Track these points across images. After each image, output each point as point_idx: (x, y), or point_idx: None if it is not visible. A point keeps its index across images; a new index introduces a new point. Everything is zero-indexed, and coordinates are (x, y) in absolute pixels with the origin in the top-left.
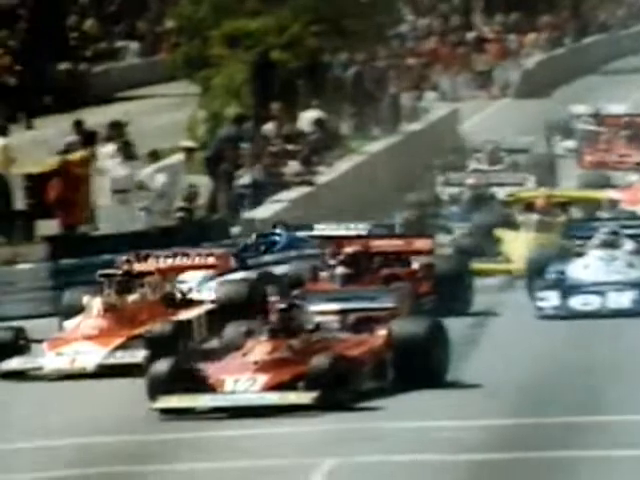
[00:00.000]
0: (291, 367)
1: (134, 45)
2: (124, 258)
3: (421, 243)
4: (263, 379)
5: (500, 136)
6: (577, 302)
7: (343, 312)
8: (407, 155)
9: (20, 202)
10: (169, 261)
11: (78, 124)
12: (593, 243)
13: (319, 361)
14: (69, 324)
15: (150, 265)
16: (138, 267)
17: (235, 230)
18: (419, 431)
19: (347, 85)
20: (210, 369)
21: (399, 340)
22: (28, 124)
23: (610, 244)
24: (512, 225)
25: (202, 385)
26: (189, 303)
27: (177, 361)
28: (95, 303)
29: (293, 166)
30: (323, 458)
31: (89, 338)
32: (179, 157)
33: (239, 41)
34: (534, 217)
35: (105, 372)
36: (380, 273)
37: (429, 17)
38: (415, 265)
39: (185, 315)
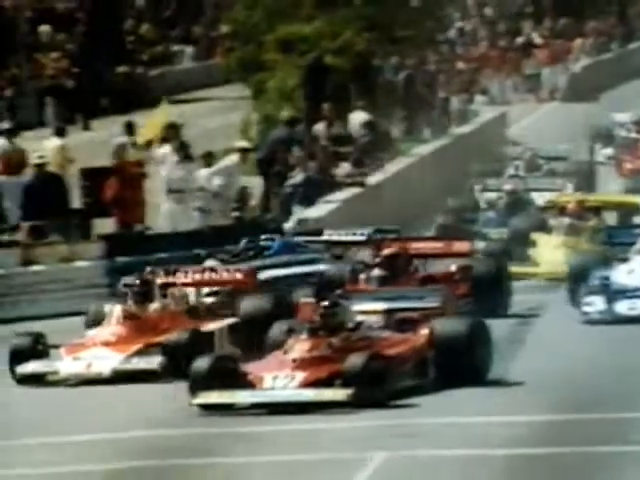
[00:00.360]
0: (329, 365)
1: (189, 49)
2: (149, 269)
3: (460, 246)
4: (301, 376)
5: (547, 139)
6: (623, 307)
7: (389, 311)
8: (456, 157)
9: (77, 201)
10: (197, 276)
11: (129, 125)
12: (636, 248)
13: (355, 359)
14: (90, 332)
15: (177, 279)
16: (164, 280)
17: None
18: (464, 427)
19: (398, 89)
20: (251, 367)
21: (441, 339)
22: (85, 125)
23: None
24: (547, 230)
25: (242, 382)
26: (213, 316)
27: (217, 358)
28: (115, 311)
29: (344, 167)
30: (372, 452)
31: (106, 344)
32: (234, 158)
33: (293, 46)
34: (565, 221)
35: (121, 378)
36: (417, 275)
37: (478, 23)
38: (452, 267)
39: (207, 327)
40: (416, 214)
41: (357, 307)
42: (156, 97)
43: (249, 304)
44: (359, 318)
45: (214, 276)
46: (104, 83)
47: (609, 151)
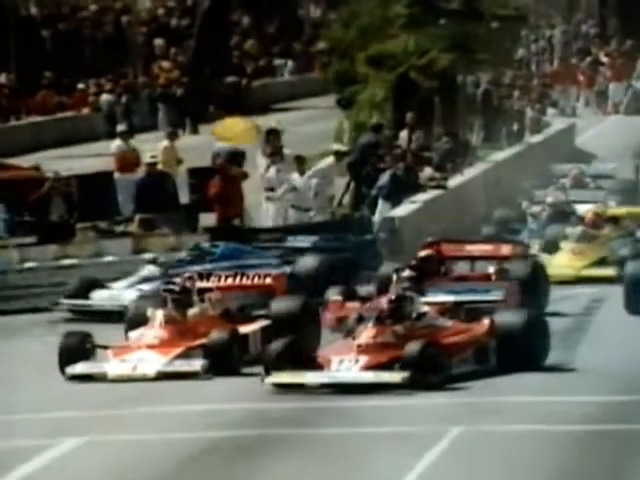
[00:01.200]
0: (391, 350)
1: (290, 63)
2: (187, 275)
3: (507, 249)
4: (364, 360)
5: (610, 147)
6: None
7: (457, 304)
8: (529, 163)
9: (185, 197)
10: (229, 280)
11: None
12: None
13: (413, 346)
14: (134, 334)
15: (212, 283)
16: (200, 284)
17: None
18: (533, 405)
19: (477, 101)
20: (322, 351)
21: (501, 329)
22: (193, 130)
23: None
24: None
25: (312, 364)
26: (247, 319)
27: (291, 342)
28: (157, 315)
29: (427, 171)
30: (449, 427)
31: (151, 347)
32: (329, 160)
33: (382, 61)
34: (578, 229)
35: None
36: (450, 276)
37: (550, 43)
38: (490, 269)
39: (242, 329)
40: (489, 214)
41: (432, 299)
42: (258, 105)
43: (279, 307)
44: (425, 309)
45: (246, 280)
46: (211, 92)
47: None
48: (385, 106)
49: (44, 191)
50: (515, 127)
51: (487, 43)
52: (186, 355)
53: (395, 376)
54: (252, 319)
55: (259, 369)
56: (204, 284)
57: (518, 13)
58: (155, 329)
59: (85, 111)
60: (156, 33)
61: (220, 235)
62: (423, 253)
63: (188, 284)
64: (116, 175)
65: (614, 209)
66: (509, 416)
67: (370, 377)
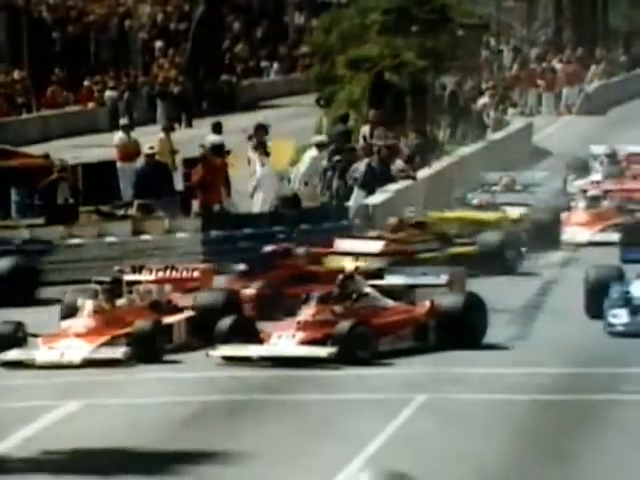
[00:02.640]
0: (326, 328)
1: (275, 65)
2: (117, 268)
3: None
4: (300, 335)
5: (563, 143)
6: None
7: (409, 287)
8: (491, 158)
9: (180, 184)
10: (160, 274)
11: (217, 125)
12: None
13: (343, 324)
14: (65, 323)
15: (143, 276)
16: (131, 277)
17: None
18: (493, 376)
19: (444, 102)
20: (267, 327)
21: (440, 309)
22: (188, 124)
23: None
24: None
25: (255, 339)
26: (174, 310)
27: (237, 319)
28: (87, 305)
29: (399, 163)
30: (415, 394)
31: (78, 335)
32: (313, 151)
33: (360, 64)
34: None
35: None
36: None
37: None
38: None
39: (167, 320)
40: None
41: (380, 282)
42: (247, 103)
43: (202, 299)
44: (367, 290)
45: (175, 274)
46: (204, 90)
47: (581, 182)
48: (361, 104)
49: (52, 177)
50: (478, 125)
51: (454, 49)
52: (111, 343)
53: (323, 351)
54: (178, 310)
55: (183, 356)
56: (134, 277)
57: (482, 22)
58: (84, 318)
59: (90, 106)
60: (156, 36)
61: (212, 219)
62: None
63: (118, 276)
64: (118, 164)
65: (442, 214)
66: (471, 386)
67: (300, 351)
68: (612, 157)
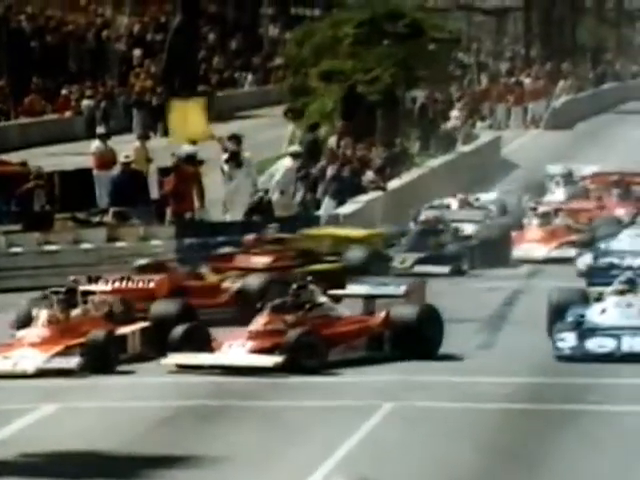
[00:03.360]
0: (276, 337)
1: (250, 76)
2: (72, 278)
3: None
4: (250, 345)
5: (530, 156)
6: (593, 344)
7: (367, 297)
8: (460, 170)
9: (155, 193)
10: (116, 284)
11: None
12: (611, 289)
13: (291, 334)
14: (20, 333)
15: (99, 286)
16: (87, 287)
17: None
18: (460, 385)
19: (415, 114)
20: (220, 335)
21: (394, 320)
22: (164, 133)
23: (628, 291)
24: None
25: (208, 347)
26: (129, 320)
27: (190, 327)
28: (42, 315)
29: (369, 174)
30: (382, 402)
31: (32, 345)
32: (288, 161)
33: (332, 76)
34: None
35: (44, 374)
36: None
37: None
38: None
39: (121, 330)
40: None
41: (340, 291)
42: (222, 113)
43: (158, 309)
44: (322, 300)
45: (131, 284)
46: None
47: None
48: (333, 116)
49: (28, 185)
50: (448, 138)
51: (425, 62)
52: (65, 353)
53: (269, 360)
54: (133, 321)
55: (136, 367)
56: (89, 287)
57: (452, 36)
58: (38, 328)
59: (68, 114)
60: (132, 46)
61: (185, 227)
62: None
63: (73, 286)
64: (95, 172)
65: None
66: (438, 394)
67: (247, 360)
68: (568, 177)
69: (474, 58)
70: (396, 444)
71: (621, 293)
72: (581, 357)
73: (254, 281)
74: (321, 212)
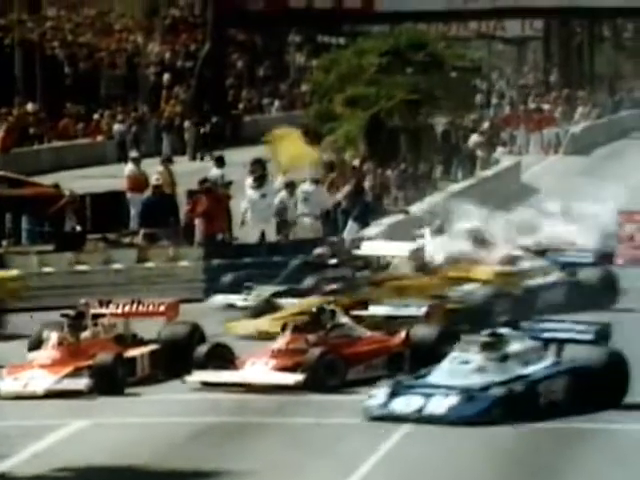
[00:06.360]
0: (298, 356)
1: (277, 102)
2: (83, 301)
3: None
4: (272, 363)
5: (551, 181)
6: (399, 403)
7: (388, 317)
8: (480, 195)
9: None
10: (127, 308)
11: (219, 159)
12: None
13: (312, 352)
14: (31, 355)
15: (110, 309)
16: (98, 310)
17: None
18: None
19: (437, 140)
20: (245, 354)
21: (414, 340)
22: (192, 156)
23: (488, 344)
24: None
25: (231, 365)
26: (138, 343)
27: (214, 345)
28: (52, 337)
29: (393, 195)
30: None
31: (42, 366)
32: (314, 186)
33: (357, 102)
34: None
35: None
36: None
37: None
38: None
39: (130, 353)
40: None
41: (362, 312)
42: (248, 138)
43: (167, 332)
44: (343, 320)
45: (141, 308)
46: (209, 125)
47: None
48: (357, 140)
49: (60, 206)
50: (470, 163)
51: (446, 90)
52: (75, 375)
53: (290, 378)
54: (143, 344)
55: (144, 389)
56: (100, 310)
57: (473, 65)
58: (49, 350)
59: (99, 138)
60: (163, 72)
61: (214, 249)
62: None
63: (83, 309)
64: (128, 194)
65: None
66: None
67: (270, 378)
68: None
69: (494, 86)
70: (417, 462)
71: (485, 346)
72: (387, 417)
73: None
74: (345, 235)
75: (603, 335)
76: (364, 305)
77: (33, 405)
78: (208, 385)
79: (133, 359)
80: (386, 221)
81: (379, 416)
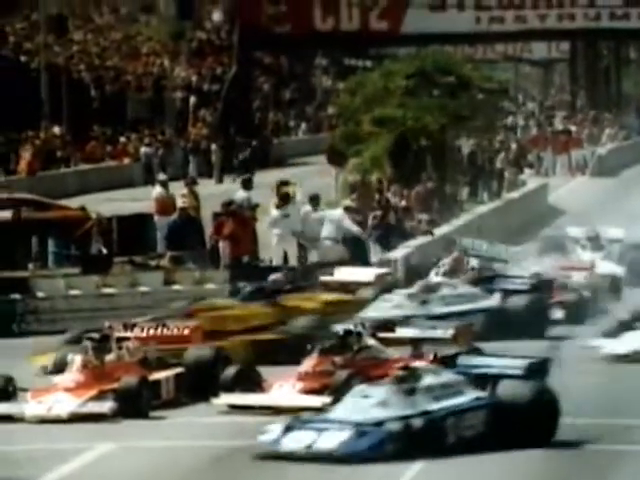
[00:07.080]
0: (325, 378)
1: (303, 124)
2: (107, 324)
3: None
4: (299, 386)
5: (578, 203)
6: (290, 439)
7: (415, 340)
8: (507, 216)
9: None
10: (151, 331)
11: (246, 181)
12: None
13: (339, 375)
14: (56, 378)
15: (135, 332)
16: (123, 333)
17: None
18: None
19: (464, 162)
20: (272, 376)
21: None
22: (219, 179)
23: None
24: None
25: (258, 388)
26: (163, 366)
27: (242, 368)
28: (76, 360)
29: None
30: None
31: (67, 390)
32: (341, 212)
33: (383, 124)
34: None
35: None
36: None
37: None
38: None
39: (155, 376)
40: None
41: (389, 334)
42: (276, 160)
43: (192, 355)
44: (370, 342)
45: (165, 332)
46: (235, 147)
47: None
48: (383, 162)
49: (86, 229)
50: (497, 185)
51: (473, 112)
52: (99, 398)
53: (317, 401)
54: (167, 367)
55: (169, 413)
56: (124, 333)
57: (500, 87)
58: (73, 373)
59: (126, 161)
60: (189, 95)
61: (240, 271)
62: None
63: (108, 333)
64: (156, 217)
65: None
66: None
67: (297, 401)
68: (594, 240)
69: (521, 107)
70: None
71: (394, 380)
72: (280, 455)
73: None
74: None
75: (537, 370)
76: (391, 327)
77: (58, 428)
78: (235, 408)
79: (158, 382)
80: (413, 242)
81: (273, 454)
